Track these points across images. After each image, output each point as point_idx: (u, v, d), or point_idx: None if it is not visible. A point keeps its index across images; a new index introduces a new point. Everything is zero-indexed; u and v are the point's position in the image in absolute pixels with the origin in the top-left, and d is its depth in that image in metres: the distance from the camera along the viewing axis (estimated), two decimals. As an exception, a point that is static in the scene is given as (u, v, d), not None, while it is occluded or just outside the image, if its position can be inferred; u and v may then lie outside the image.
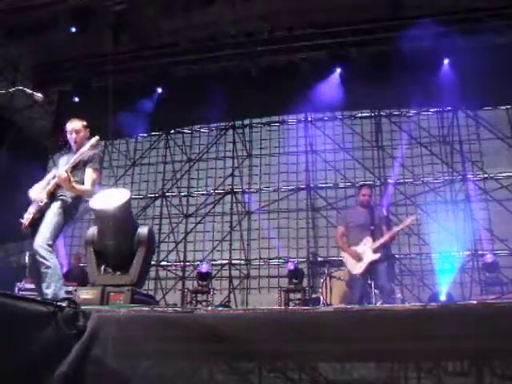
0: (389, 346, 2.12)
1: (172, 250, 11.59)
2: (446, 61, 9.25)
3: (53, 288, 3.67)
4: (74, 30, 8.85)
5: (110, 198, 4.57)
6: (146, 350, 2.24)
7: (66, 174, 3.83)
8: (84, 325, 2.29)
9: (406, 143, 10.77)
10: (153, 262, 10.14)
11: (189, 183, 12.16)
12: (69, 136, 4.24)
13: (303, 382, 2.09)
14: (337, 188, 11.25)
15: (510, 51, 8.13)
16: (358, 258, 5.41)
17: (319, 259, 9.90)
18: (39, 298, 3.03)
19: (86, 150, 4.04)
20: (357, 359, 2.10)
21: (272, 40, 9.58)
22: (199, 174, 12.21)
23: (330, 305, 6.98)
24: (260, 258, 11.19)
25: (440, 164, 10.65)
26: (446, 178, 10.53)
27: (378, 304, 5.52)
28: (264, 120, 12.07)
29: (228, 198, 11.64)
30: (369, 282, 5.56)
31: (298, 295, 9.09)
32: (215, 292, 9.99)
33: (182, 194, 12.09)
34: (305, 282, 9.63)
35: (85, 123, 4.29)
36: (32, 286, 7.27)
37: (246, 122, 12.00)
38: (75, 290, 4.41)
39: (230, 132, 12.00)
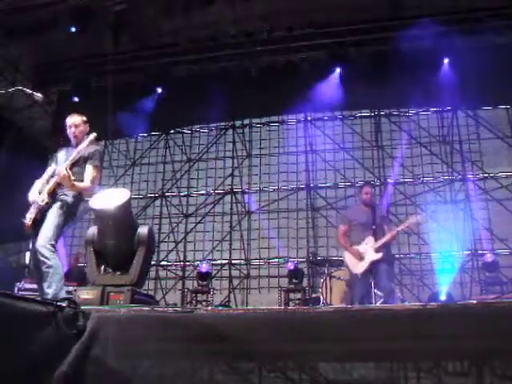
0: (389, 346, 2.12)
1: (172, 250, 11.59)
2: (445, 61, 9.26)
3: (54, 288, 3.68)
4: (73, 30, 8.86)
5: (109, 198, 4.57)
6: (146, 350, 2.24)
7: (65, 172, 3.84)
8: (84, 325, 2.29)
9: (406, 143, 10.77)
10: (153, 262, 10.14)
11: (189, 183, 12.16)
12: (68, 130, 4.27)
13: (303, 381, 2.09)
14: (336, 188, 11.25)
15: (510, 51, 8.14)
16: (360, 257, 5.40)
17: (319, 259, 9.90)
18: (39, 298, 3.03)
19: (84, 146, 4.06)
20: (357, 359, 2.10)
21: (272, 40, 9.59)
22: (199, 173, 12.20)
23: (330, 305, 6.98)
24: (260, 258, 11.19)
25: (440, 164, 10.65)
26: (446, 177, 10.53)
27: (378, 304, 5.51)
28: (264, 120, 12.07)
29: (228, 198, 11.63)
30: (370, 281, 5.54)
31: (298, 295, 9.09)
32: (215, 292, 9.99)
33: (182, 193, 12.09)
34: (305, 282, 9.63)
35: (84, 118, 4.33)
36: (32, 285, 7.31)
37: (246, 121, 12.00)
38: (75, 290, 4.41)
39: (230, 132, 12.00)
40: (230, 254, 11.22)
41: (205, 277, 9.83)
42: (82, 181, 4.04)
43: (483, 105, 10.38)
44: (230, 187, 11.64)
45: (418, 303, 6.14)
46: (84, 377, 2.18)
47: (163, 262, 11.49)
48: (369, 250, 5.39)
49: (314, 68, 9.69)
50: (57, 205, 3.91)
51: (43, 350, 2.13)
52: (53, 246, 3.78)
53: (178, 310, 2.79)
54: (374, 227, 5.46)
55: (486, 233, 9.82)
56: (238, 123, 11.96)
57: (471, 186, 10.21)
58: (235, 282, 11.06)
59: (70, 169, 3.93)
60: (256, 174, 11.87)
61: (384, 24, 9.10)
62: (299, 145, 11.67)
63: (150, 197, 12.12)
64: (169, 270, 11.49)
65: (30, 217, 3.95)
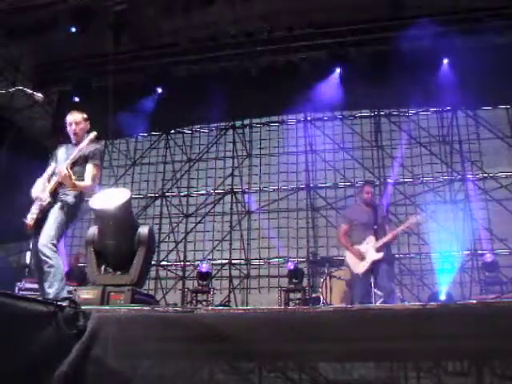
0: (388, 346, 2.12)
1: (172, 250, 11.59)
2: (445, 61, 9.26)
3: (55, 287, 3.68)
4: (74, 30, 8.87)
5: (110, 198, 4.57)
6: (146, 350, 2.24)
7: (66, 171, 3.83)
8: (84, 325, 2.29)
9: (406, 143, 10.76)
10: (153, 262, 10.12)
11: (189, 183, 12.16)
12: (68, 128, 4.24)
13: (303, 381, 2.09)
14: (336, 188, 11.25)
15: (510, 51, 8.14)
16: (361, 257, 5.38)
17: (319, 259, 9.90)
18: (39, 298, 3.03)
19: (85, 145, 4.05)
20: (357, 359, 2.10)
21: (272, 40, 9.59)
22: (199, 173, 12.20)
23: (330, 304, 6.98)
24: (260, 258, 11.19)
25: (439, 164, 10.65)
26: (446, 177, 10.53)
27: (378, 303, 5.51)
28: (264, 120, 12.07)
29: (228, 197, 11.63)
30: (370, 281, 5.53)
31: (298, 295, 9.08)
32: (215, 292, 9.99)
33: (182, 193, 12.09)
34: (305, 282, 9.62)
35: (85, 115, 4.30)
36: (32, 285, 7.32)
37: (246, 121, 12.00)
38: (75, 290, 4.42)
39: (230, 132, 12.00)
40: (230, 253, 11.22)
41: (205, 277, 9.83)
42: (83, 180, 4.03)
43: (483, 105, 10.38)
44: (230, 187, 11.64)
45: (417, 303, 6.14)
46: (84, 377, 2.18)
47: (163, 262, 11.49)
48: (370, 249, 5.38)
49: (314, 68, 9.69)
50: (58, 205, 3.91)
51: (43, 349, 2.14)
52: (54, 245, 3.78)
53: (178, 310, 2.79)
54: (375, 227, 5.45)
55: (486, 233, 9.82)
56: (238, 123, 11.96)
57: (471, 186, 10.21)
58: (235, 281, 11.06)
59: (71, 168, 3.92)
60: (256, 174, 11.87)
61: (384, 24, 9.11)
62: (299, 145, 11.67)
63: (150, 197, 12.13)
64: (169, 270, 11.49)
65: (31, 217, 3.94)
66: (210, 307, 7.31)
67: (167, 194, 12.04)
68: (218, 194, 11.79)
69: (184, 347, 2.24)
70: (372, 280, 5.34)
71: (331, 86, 9.78)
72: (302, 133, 11.67)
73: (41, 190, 4.04)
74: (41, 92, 4.86)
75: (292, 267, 9.47)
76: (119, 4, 8.49)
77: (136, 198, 11.68)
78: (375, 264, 5.35)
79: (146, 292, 6.14)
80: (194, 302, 9.47)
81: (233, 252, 11.23)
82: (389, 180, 10.57)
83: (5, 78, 9.66)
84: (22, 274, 9.74)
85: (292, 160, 11.70)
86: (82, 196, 4.11)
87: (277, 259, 11.04)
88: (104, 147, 10.43)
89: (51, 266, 3.70)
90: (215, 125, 12.17)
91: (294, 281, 9.22)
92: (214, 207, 11.74)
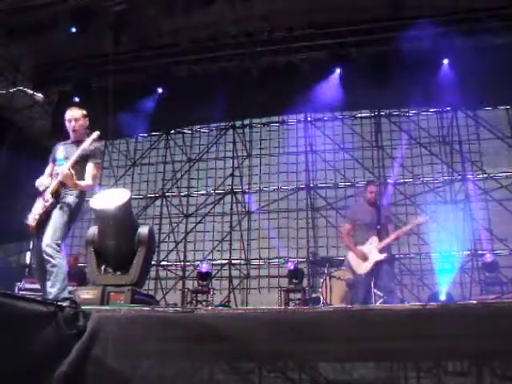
0: (388, 346, 2.12)
1: (172, 250, 11.58)
2: (445, 61, 9.25)
3: (57, 287, 3.67)
4: (74, 30, 8.86)
5: (110, 198, 4.58)
6: (146, 350, 2.24)
7: (68, 172, 3.82)
8: (84, 325, 2.29)
9: (406, 143, 10.76)
10: (153, 262, 10.11)
11: (189, 183, 12.16)
12: (67, 124, 4.20)
13: (303, 381, 2.09)
14: (336, 188, 11.25)
15: (510, 51, 8.14)
16: (364, 257, 5.37)
17: (319, 259, 9.90)
18: (39, 298, 3.03)
19: (87, 145, 4.02)
20: (356, 359, 2.10)
21: (272, 40, 9.59)
22: (199, 173, 12.20)
23: (330, 304, 6.98)
24: (260, 258, 11.19)
25: (440, 164, 10.64)
26: (446, 177, 10.52)
27: (378, 304, 5.51)
28: (264, 120, 12.06)
29: (228, 198, 11.63)
30: (372, 281, 5.52)
31: (298, 295, 9.08)
32: (215, 292, 9.99)
33: (182, 194, 12.09)
34: (305, 282, 9.62)
35: (84, 112, 4.26)
36: (32, 285, 7.32)
37: (246, 122, 11.99)
38: (75, 290, 4.42)
39: (230, 132, 12.00)
40: (230, 253, 11.22)
41: (205, 277, 9.83)
42: (83, 179, 4.02)
43: (483, 105, 10.37)
44: (230, 187, 11.63)
45: (417, 303, 6.15)
46: (84, 377, 2.18)
47: (163, 262, 11.49)
48: (373, 250, 5.38)
49: (315, 68, 9.68)
50: (61, 205, 3.90)
51: (43, 350, 2.14)
52: (58, 245, 3.77)
53: (178, 310, 2.79)
54: (378, 227, 5.44)
55: (486, 233, 9.82)
56: (238, 123, 11.95)
57: (471, 186, 10.21)
58: (235, 282, 11.05)
59: (72, 167, 3.91)
60: (256, 174, 11.87)
61: (384, 24, 9.10)
62: (299, 145, 11.67)
63: (150, 197, 12.12)
64: (169, 270, 11.49)
65: (33, 217, 3.93)
66: (209, 307, 7.31)
67: (167, 194, 12.04)
68: (218, 194, 11.78)
69: (184, 347, 2.24)
70: (373, 280, 5.34)
71: (331, 86, 9.77)
72: (302, 133, 11.67)
73: (46, 181, 4.02)
74: (41, 92, 4.86)
75: (292, 267, 9.46)
76: (119, 4, 8.48)
77: (136, 198, 11.67)
78: (377, 264, 5.34)
79: (145, 292, 6.15)
80: (194, 302, 9.46)
81: (233, 252, 11.23)
82: (389, 180, 10.56)
83: (5, 78, 9.65)
84: (21, 274, 9.74)
85: (292, 160, 11.70)
86: (83, 196, 4.11)
87: (277, 259, 11.03)
88: (104, 147, 10.46)
89: (54, 266, 3.70)
90: (215, 125, 12.17)
91: (294, 281, 9.22)
92: (214, 207, 11.74)
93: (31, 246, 4.07)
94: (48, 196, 3.92)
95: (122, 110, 9.03)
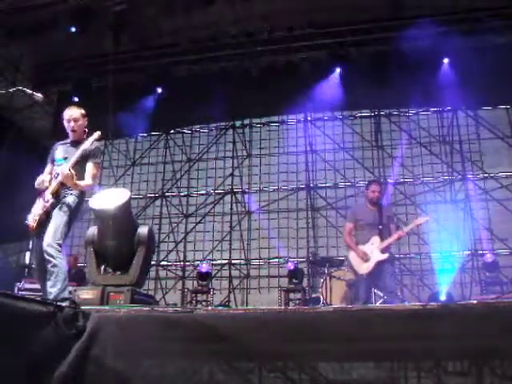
0: (388, 346, 2.12)
1: (172, 250, 11.58)
2: (445, 61, 9.25)
3: (58, 287, 3.67)
4: (74, 30, 8.86)
5: (109, 198, 4.58)
6: (146, 350, 2.24)
7: (69, 172, 3.82)
8: (84, 325, 2.29)
9: (406, 143, 10.76)
10: (153, 262, 10.14)
11: (189, 183, 12.16)
12: (66, 124, 4.16)
13: (303, 381, 2.09)
14: (336, 188, 11.24)
15: (510, 51, 8.14)
16: (366, 257, 5.35)
17: (319, 259, 9.90)
18: (39, 298, 3.03)
19: (88, 145, 4.00)
20: (356, 359, 2.10)
21: (272, 40, 9.59)
22: (199, 173, 12.20)
23: (330, 305, 6.98)
24: (260, 258, 11.19)
25: (440, 164, 10.64)
26: (446, 177, 10.52)
27: (378, 304, 5.50)
28: (264, 120, 12.06)
29: (228, 198, 11.63)
30: (373, 281, 5.51)
31: (298, 295, 9.08)
32: (215, 292, 9.99)
33: (182, 194, 12.09)
34: (305, 282, 9.62)
35: (83, 111, 4.22)
36: (32, 286, 7.32)
37: (246, 121, 11.99)
38: (75, 290, 4.42)
39: (230, 132, 12.00)
40: (230, 254, 11.22)
41: (205, 277, 9.83)
42: (83, 179, 4.02)
43: (483, 105, 10.37)
44: (230, 187, 11.63)
45: (417, 303, 6.14)
46: (84, 377, 2.18)
47: (163, 262, 11.49)
48: (375, 250, 5.36)
49: (315, 68, 9.69)
50: (61, 205, 3.90)
51: (43, 350, 2.14)
52: (59, 245, 3.77)
53: (178, 310, 2.79)
54: (380, 227, 5.43)
55: (486, 233, 9.82)
56: (238, 123, 11.95)
57: (471, 186, 10.21)
58: (235, 282, 11.05)
59: (72, 167, 3.90)
60: (256, 174, 11.86)
61: (384, 24, 9.10)
62: (299, 145, 11.67)
63: (150, 197, 12.12)
64: (169, 270, 11.49)
65: (33, 218, 3.92)
66: (209, 307, 7.31)
67: (167, 194, 12.04)
68: (218, 194, 11.78)
69: (184, 347, 2.24)
70: (375, 280, 5.33)
71: (331, 85, 9.77)
72: (302, 133, 11.67)
73: (46, 179, 4.01)
74: (41, 92, 4.84)
75: (292, 267, 9.46)
76: (119, 4, 8.48)
77: (136, 198, 11.67)
78: (379, 264, 5.33)
79: (145, 292, 6.15)
80: (194, 302, 9.46)
81: (233, 252, 11.23)
82: (389, 180, 10.56)
83: (5, 78, 9.65)
84: (21, 274, 9.75)
85: (292, 160, 11.69)
86: (83, 195, 4.10)
87: (277, 259, 11.03)
88: (103, 147, 10.46)
89: (55, 266, 3.70)
90: (215, 125, 12.16)
91: (293, 281, 9.22)
92: (213, 207, 11.74)
93: (31, 246, 4.08)
94: (48, 196, 3.92)
95: (122, 110, 9.04)
